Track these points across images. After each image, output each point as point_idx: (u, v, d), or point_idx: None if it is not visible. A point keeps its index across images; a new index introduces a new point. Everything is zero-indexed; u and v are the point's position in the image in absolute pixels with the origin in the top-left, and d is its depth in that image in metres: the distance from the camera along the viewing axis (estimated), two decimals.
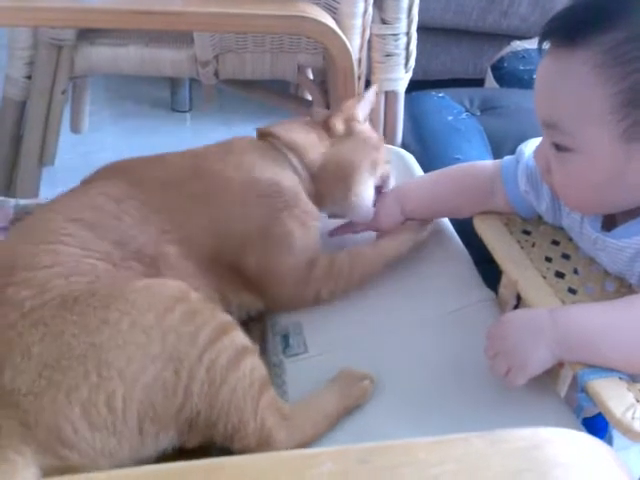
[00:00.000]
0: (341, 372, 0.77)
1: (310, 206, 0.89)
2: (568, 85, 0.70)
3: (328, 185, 0.92)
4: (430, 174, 0.98)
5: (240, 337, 0.71)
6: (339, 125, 0.96)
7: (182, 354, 0.66)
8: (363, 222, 0.95)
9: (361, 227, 0.96)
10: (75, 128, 1.71)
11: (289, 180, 0.88)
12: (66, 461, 0.62)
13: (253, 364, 0.70)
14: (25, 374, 0.64)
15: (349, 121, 0.97)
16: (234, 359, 0.68)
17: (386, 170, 0.97)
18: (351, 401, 0.74)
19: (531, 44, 1.73)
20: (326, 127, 0.96)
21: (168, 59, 1.28)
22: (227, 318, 0.72)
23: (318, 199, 0.92)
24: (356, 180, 0.92)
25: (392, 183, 0.98)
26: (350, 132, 0.96)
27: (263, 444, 0.68)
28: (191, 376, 0.65)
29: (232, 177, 0.84)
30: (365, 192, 0.93)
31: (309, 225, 0.87)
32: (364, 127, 0.99)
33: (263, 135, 0.94)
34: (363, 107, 1.00)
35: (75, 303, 0.67)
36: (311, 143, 0.93)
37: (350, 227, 0.97)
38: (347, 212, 0.95)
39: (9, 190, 1.36)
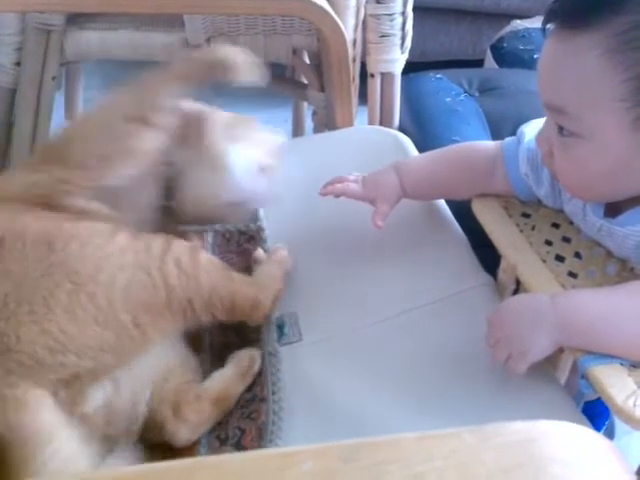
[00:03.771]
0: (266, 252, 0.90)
1: None
2: (575, 69, 0.67)
3: None
4: (429, 153, 0.95)
5: (183, 242, 0.76)
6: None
7: (145, 263, 0.68)
8: None
9: (358, 195, 0.91)
10: (69, 115, 1.69)
11: None
12: (64, 369, 0.61)
13: (207, 256, 0.77)
14: None
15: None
16: (192, 255, 0.73)
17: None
18: (287, 265, 0.87)
19: (532, 23, 1.70)
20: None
21: (159, 43, 1.26)
22: (164, 236, 0.76)
23: None
24: None
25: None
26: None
27: (254, 307, 0.78)
28: (164, 274, 0.69)
29: None
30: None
31: None
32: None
33: None
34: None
35: (3, 243, 0.65)
36: None
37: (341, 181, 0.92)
38: None
39: None
